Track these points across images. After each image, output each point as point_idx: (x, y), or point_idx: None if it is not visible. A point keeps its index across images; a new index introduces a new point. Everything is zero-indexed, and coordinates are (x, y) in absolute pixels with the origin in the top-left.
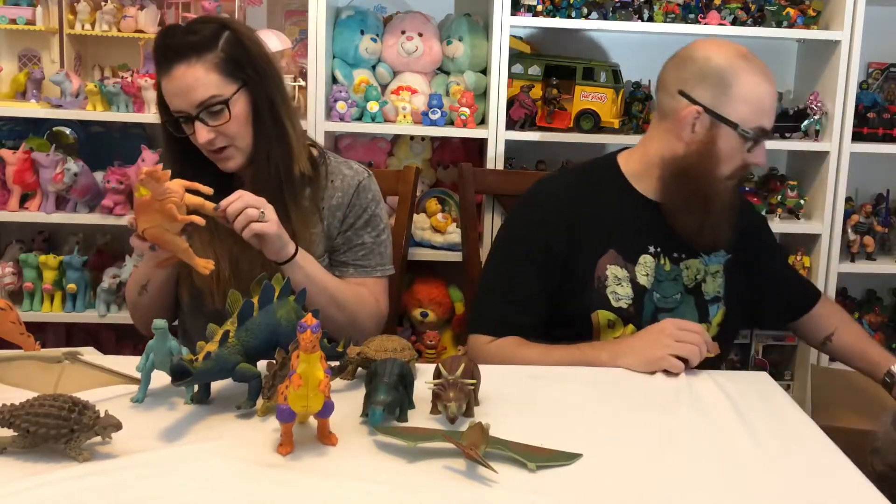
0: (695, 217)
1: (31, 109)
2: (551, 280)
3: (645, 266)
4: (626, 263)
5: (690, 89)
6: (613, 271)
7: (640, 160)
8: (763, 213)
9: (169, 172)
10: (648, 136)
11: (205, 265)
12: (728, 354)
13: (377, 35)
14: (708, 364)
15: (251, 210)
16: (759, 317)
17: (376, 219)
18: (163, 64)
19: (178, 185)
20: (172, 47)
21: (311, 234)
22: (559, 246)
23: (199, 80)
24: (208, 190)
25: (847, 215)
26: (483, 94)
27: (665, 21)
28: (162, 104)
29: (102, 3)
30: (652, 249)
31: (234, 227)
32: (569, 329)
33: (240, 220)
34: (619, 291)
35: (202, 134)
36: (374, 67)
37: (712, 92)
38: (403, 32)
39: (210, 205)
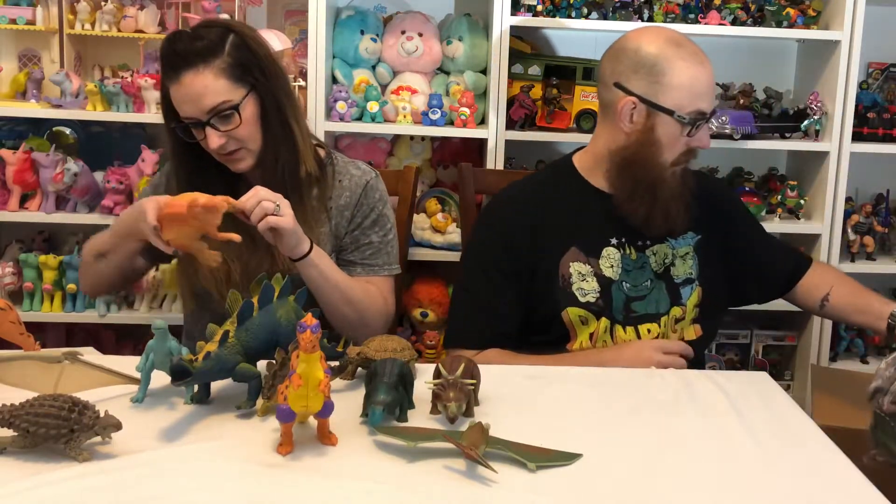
0: (643, 205)
1: (31, 109)
2: (520, 286)
3: (609, 258)
4: (588, 259)
5: (625, 81)
6: (577, 268)
7: (592, 156)
8: (763, 213)
9: (226, 205)
10: (596, 132)
11: (214, 258)
12: (714, 335)
13: (377, 35)
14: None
15: (267, 203)
16: (750, 293)
17: (384, 218)
18: (170, 71)
19: (220, 202)
20: (179, 54)
21: (319, 234)
22: (523, 251)
23: (209, 86)
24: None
25: (847, 215)
26: (483, 94)
27: (665, 21)
28: (169, 110)
29: (102, 3)
30: (615, 241)
31: (251, 220)
32: (545, 333)
33: (256, 212)
34: (585, 287)
35: (214, 140)
36: (374, 67)
37: (646, 81)
38: (403, 32)
39: (228, 203)
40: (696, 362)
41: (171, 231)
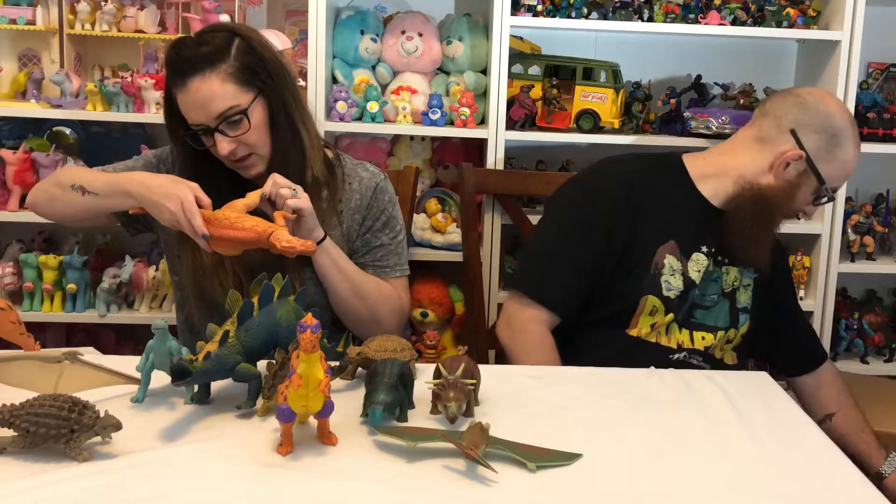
0: (750, 235)
1: (31, 109)
2: (604, 256)
3: (697, 263)
4: (682, 256)
5: (803, 134)
6: (671, 261)
7: (713, 166)
8: None
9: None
10: (730, 148)
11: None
12: (743, 367)
13: (377, 35)
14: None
15: (284, 190)
16: (759, 348)
17: (393, 220)
18: (176, 78)
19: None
20: (185, 60)
21: (331, 237)
22: (622, 226)
23: (216, 92)
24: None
25: (847, 215)
26: (483, 94)
27: (665, 21)
28: (174, 116)
29: (102, 3)
30: (705, 249)
31: (276, 203)
32: (605, 308)
33: (281, 193)
34: (672, 282)
35: (223, 146)
36: (374, 67)
37: (822, 145)
38: (403, 32)
39: (255, 199)
40: None
41: (219, 244)
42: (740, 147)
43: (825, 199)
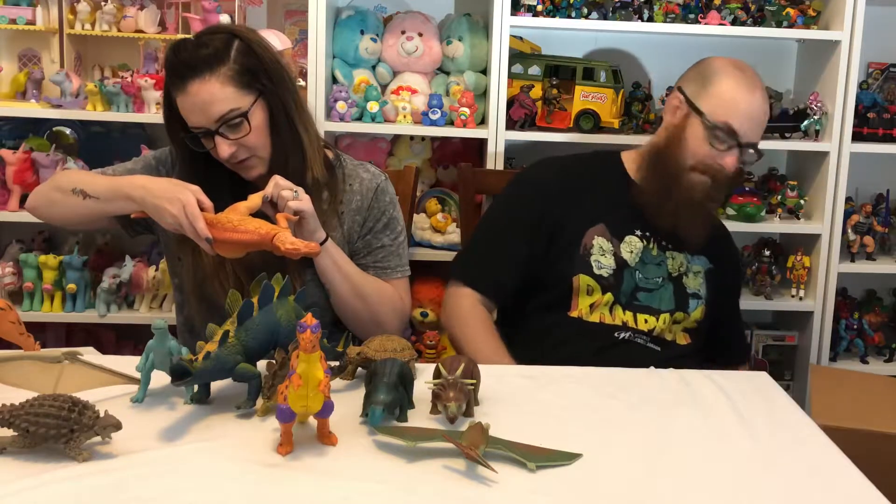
0: (657, 198)
1: (31, 109)
2: (538, 242)
3: (630, 244)
4: (612, 238)
5: (683, 82)
6: (599, 242)
7: (639, 154)
8: (763, 213)
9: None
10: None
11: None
12: (700, 350)
13: (377, 35)
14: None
15: (285, 192)
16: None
17: (394, 221)
18: (176, 80)
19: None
20: (184, 63)
21: (332, 239)
22: (552, 211)
23: (216, 94)
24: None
25: (847, 215)
26: (483, 94)
27: (665, 21)
28: (173, 118)
29: (102, 3)
30: (639, 232)
31: (276, 204)
32: (546, 294)
33: (283, 195)
34: (602, 261)
35: (224, 148)
36: (374, 67)
37: (696, 86)
38: (403, 32)
39: (257, 202)
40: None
41: (222, 247)
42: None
43: (719, 135)
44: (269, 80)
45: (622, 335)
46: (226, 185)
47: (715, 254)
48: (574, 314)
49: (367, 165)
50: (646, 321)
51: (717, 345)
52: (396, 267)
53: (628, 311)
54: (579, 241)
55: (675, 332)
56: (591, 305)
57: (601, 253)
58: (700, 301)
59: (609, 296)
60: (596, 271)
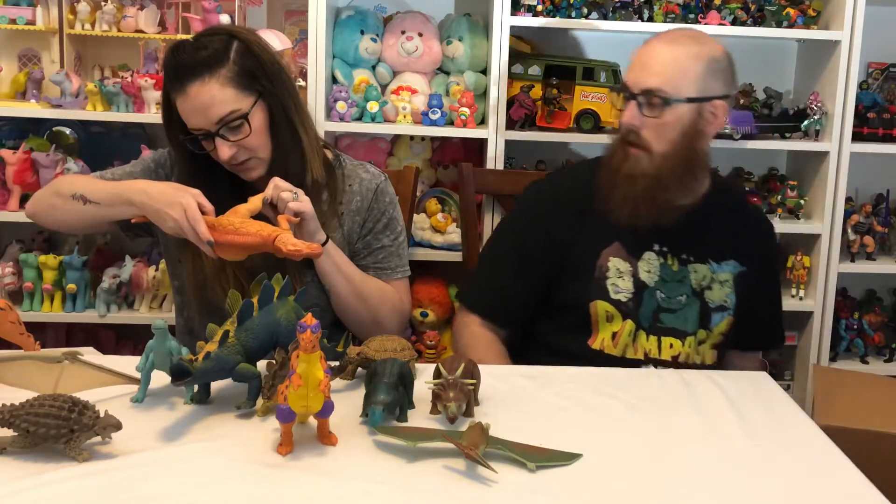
0: (606, 191)
1: (31, 109)
2: (545, 271)
3: (648, 263)
4: (629, 257)
5: None
6: (616, 263)
7: None
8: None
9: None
10: None
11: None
12: (724, 362)
13: (377, 35)
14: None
15: (285, 193)
16: None
17: (394, 222)
18: (175, 82)
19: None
20: (184, 65)
21: (332, 240)
22: (564, 231)
23: (216, 96)
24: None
25: (847, 215)
26: (483, 94)
27: (665, 21)
28: (172, 120)
29: (102, 3)
30: (657, 248)
31: (277, 206)
32: (563, 318)
33: (282, 197)
34: (620, 284)
35: (224, 150)
36: (374, 67)
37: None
38: (403, 32)
39: (258, 204)
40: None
41: (224, 250)
42: None
43: (623, 101)
44: (269, 81)
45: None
46: (225, 188)
47: (747, 253)
48: (596, 346)
49: (366, 165)
50: (671, 346)
51: (753, 336)
52: (396, 267)
53: (652, 335)
54: (594, 264)
55: (703, 353)
56: (614, 335)
57: (618, 275)
58: (727, 313)
59: (630, 324)
60: (613, 296)
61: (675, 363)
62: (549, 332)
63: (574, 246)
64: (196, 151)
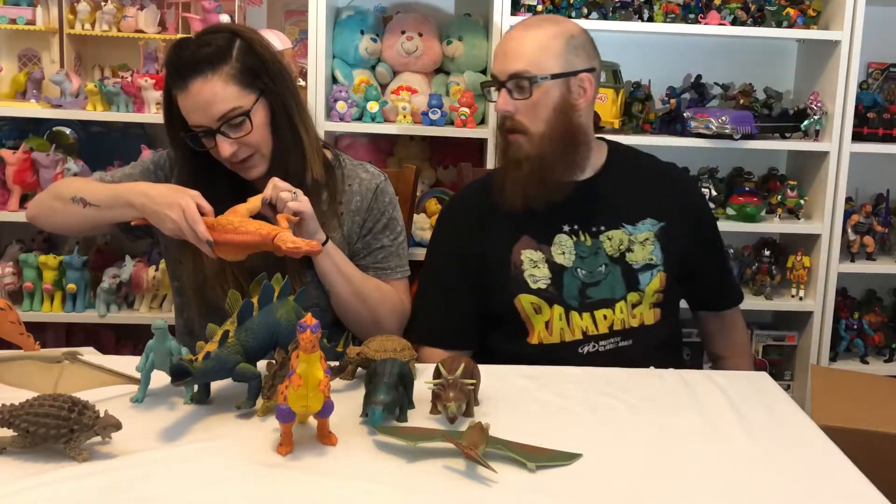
0: (501, 180)
1: (31, 109)
2: (472, 274)
3: (561, 245)
4: (539, 245)
5: None
6: (528, 255)
7: None
8: (763, 213)
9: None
10: None
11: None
12: (675, 321)
13: (377, 35)
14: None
15: (284, 193)
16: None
17: (394, 222)
18: (177, 79)
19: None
20: (186, 62)
21: (331, 240)
22: (472, 244)
23: (218, 93)
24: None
25: (847, 215)
26: (483, 94)
27: (665, 21)
28: (173, 117)
29: (102, 3)
30: (567, 228)
31: (276, 206)
32: (502, 325)
33: (282, 197)
34: (537, 273)
35: (225, 148)
36: (374, 67)
37: None
38: (403, 32)
39: (257, 204)
40: (664, 348)
41: (223, 252)
42: None
43: (490, 86)
44: (271, 79)
45: (585, 349)
46: (225, 187)
47: (664, 207)
48: (534, 341)
49: (366, 165)
50: (605, 317)
51: (708, 293)
52: (396, 267)
53: (585, 313)
54: (508, 261)
55: (641, 314)
56: (547, 324)
57: (533, 266)
58: (655, 269)
59: (558, 308)
60: (533, 286)
61: (612, 332)
62: (497, 342)
63: (485, 253)
64: (196, 149)
